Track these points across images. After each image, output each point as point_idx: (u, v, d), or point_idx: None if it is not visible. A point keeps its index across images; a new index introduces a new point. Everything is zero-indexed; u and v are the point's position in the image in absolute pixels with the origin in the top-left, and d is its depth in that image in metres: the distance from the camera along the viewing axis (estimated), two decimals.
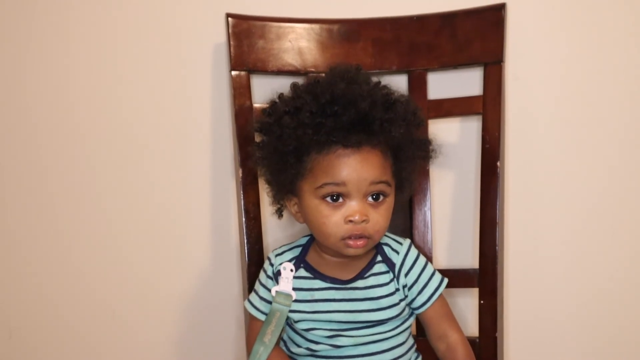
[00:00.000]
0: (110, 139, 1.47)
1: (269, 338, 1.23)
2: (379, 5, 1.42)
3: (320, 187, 1.17)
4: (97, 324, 1.51)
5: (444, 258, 1.48)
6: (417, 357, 1.29)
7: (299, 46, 1.40)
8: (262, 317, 1.26)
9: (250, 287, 1.34)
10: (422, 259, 1.27)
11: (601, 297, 1.49)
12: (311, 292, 1.23)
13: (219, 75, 1.45)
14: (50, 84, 1.46)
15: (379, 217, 1.19)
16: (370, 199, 1.18)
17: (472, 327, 1.43)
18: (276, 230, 1.47)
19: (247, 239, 1.37)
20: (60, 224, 1.49)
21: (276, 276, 1.26)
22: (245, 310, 1.30)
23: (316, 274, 1.24)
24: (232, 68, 1.38)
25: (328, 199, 1.18)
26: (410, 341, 1.28)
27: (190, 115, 1.47)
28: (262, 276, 1.28)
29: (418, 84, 1.40)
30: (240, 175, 1.37)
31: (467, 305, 1.47)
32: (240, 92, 1.38)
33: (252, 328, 1.28)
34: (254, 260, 1.37)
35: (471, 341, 1.29)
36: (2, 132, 1.47)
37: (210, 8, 1.43)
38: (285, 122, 1.18)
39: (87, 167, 1.48)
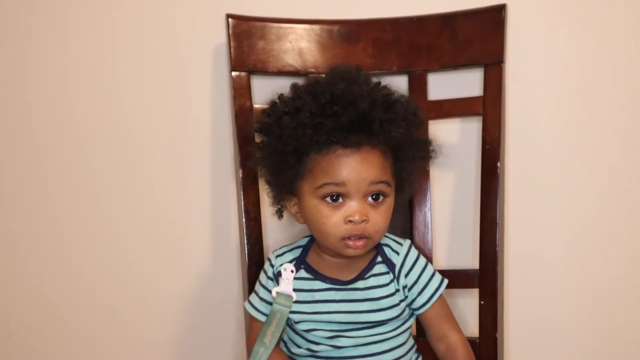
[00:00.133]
0: (110, 139, 1.47)
1: (269, 339, 1.23)
2: (379, 6, 1.42)
3: (320, 187, 1.17)
4: (97, 324, 1.51)
5: (444, 258, 1.48)
6: (417, 358, 1.29)
7: (299, 47, 1.40)
8: (262, 318, 1.26)
9: (250, 287, 1.34)
10: (422, 260, 1.27)
11: (601, 297, 1.49)
12: (311, 293, 1.23)
13: (219, 75, 1.45)
14: (50, 84, 1.46)
15: (378, 217, 1.19)
16: (370, 199, 1.18)
17: (472, 328, 1.43)
18: (276, 230, 1.47)
19: (247, 239, 1.37)
20: (60, 224, 1.49)
21: (276, 277, 1.26)
22: (246, 311, 1.30)
23: (316, 275, 1.25)
24: (233, 69, 1.38)
25: (328, 199, 1.18)
26: (411, 342, 1.28)
27: (191, 115, 1.47)
28: (262, 277, 1.28)
29: (418, 85, 1.40)
30: (241, 175, 1.37)
31: (467, 305, 1.47)
32: (241, 93, 1.38)
33: (252, 329, 1.28)
34: (254, 261, 1.37)
35: (471, 342, 1.29)
36: (2, 132, 1.47)
37: (211, 9, 1.43)
38: (285, 122, 1.18)
39: (87, 167, 1.48)
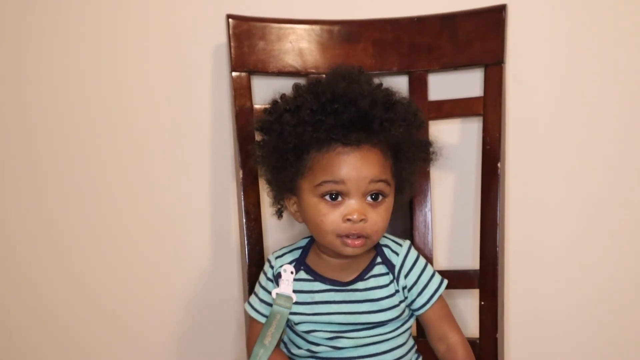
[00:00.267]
0: (110, 139, 1.47)
1: (269, 340, 1.23)
2: (379, 6, 1.42)
3: (320, 185, 1.17)
4: (97, 324, 1.51)
5: (444, 259, 1.48)
6: (417, 358, 1.29)
7: (299, 47, 1.39)
8: (262, 320, 1.26)
9: (250, 287, 1.34)
10: (421, 260, 1.27)
11: (601, 297, 1.49)
12: (311, 294, 1.23)
13: (219, 76, 1.45)
14: (50, 84, 1.46)
15: (377, 217, 1.18)
16: (369, 198, 1.18)
17: (472, 328, 1.43)
18: (276, 231, 1.47)
19: (247, 239, 1.37)
20: (60, 224, 1.49)
21: (276, 278, 1.26)
22: (246, 312, 1.30)
23: (316, 276, 1.24)
24: (233, 69, 1.38)
25: (327, 197, 1.18)
26: (411, 342, 1.28)
27: (191, 116, 1.46)
28: (262, 278, 1.28)
29: (418, 85, 1.40)
30: (241, 176, 1.37)
31: (467, 306, 1.47)
32: (241, 93, 1.38)
33: (252, 330, 1.28)
34: (254, 261, 1.37)
35: (471, 342, 1.29)
36: (2, 132, 1.47)
37: (211, 9, 1.43)
38: (286, 119, 1.18)
39: (87, 167, 1.48)
